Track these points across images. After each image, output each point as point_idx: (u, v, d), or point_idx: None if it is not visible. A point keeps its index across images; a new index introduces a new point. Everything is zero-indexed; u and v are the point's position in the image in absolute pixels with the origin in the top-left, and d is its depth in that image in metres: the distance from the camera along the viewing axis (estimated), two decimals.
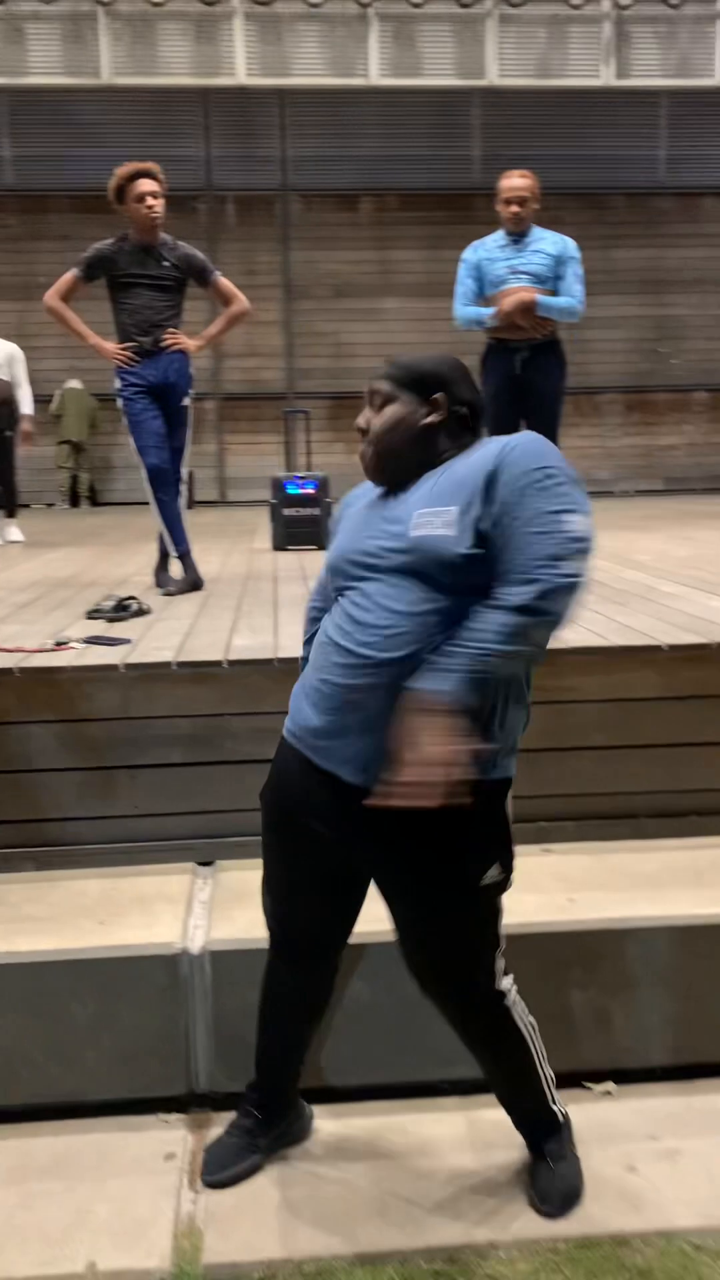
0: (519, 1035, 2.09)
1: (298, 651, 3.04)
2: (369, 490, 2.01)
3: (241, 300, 4.58)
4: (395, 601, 1.80)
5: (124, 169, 4.29)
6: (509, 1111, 2.21)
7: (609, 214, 11.87)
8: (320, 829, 1.93)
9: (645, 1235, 2.08)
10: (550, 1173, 2.16)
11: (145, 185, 4.24)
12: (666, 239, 11.98)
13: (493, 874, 1.92)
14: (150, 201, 4.25)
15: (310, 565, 5.49)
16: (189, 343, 4.44)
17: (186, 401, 4.48)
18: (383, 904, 1.99)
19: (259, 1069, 2.27)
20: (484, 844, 1.91)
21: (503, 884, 1.96)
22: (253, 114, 11.40)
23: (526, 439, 1.80)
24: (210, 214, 11.59)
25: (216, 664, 2.94)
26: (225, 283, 4.56)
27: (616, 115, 11.41)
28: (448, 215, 11.25)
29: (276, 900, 2.11)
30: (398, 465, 1.91)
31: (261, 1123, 2.27)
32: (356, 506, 2.01)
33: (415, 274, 11.54)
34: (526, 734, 3.11)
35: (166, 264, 4.39)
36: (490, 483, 1.75)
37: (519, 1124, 2.21)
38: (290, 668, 2.96)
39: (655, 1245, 2.06)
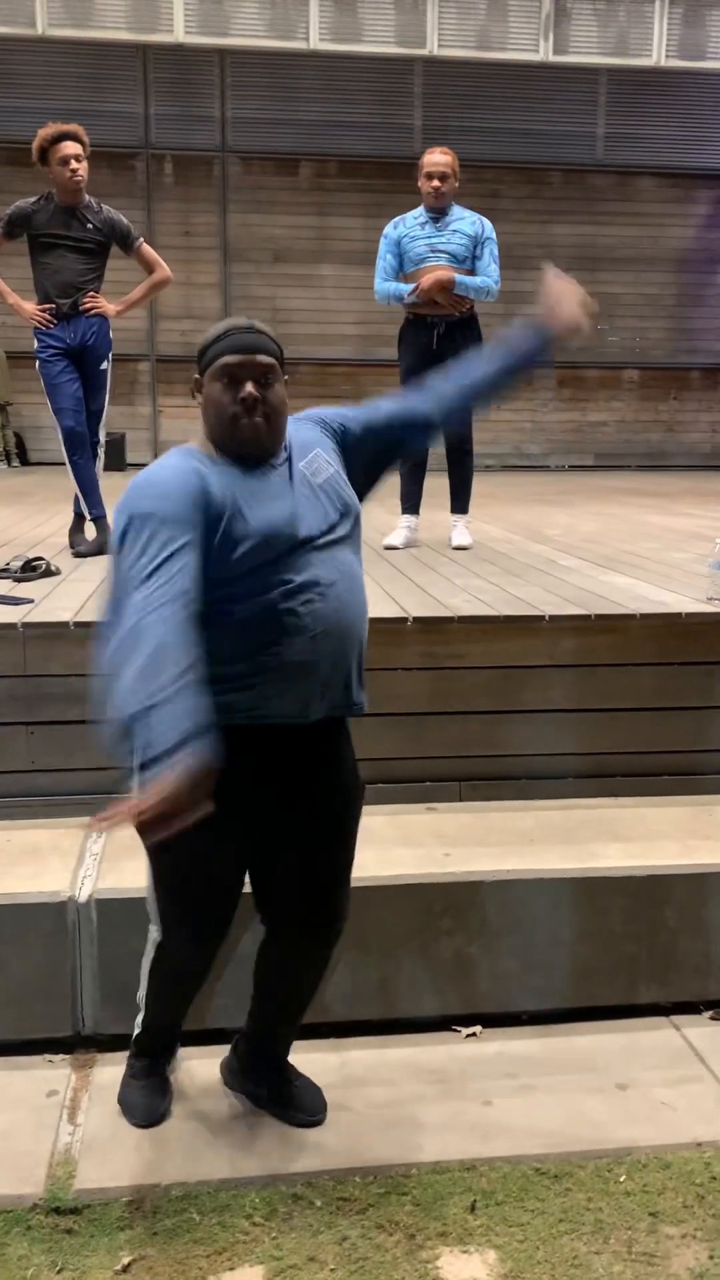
0: None
1: None
2: (221, 463, 1.94)
3: (163, 268, 4.61)
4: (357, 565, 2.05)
5: (46, 130, 4.27)
6: (287, 1036, 2.40)
7: (546, 189, 11.96)
8: (273, 793, 2.06)
9: (492, 1161, 2.24)
10: (308, 1085, 2.39)
11: (68, 148, 4.24)
12: (602, 217, 12.10)
13: None
14: (74, 165, 4.24)
15: None
16: (108, 307, 4.46)
17: (105, 365, 4.51)
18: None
19: (165, 1029, 2.39)
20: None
21: None
22: (192, 72, 11.26)
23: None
24: (148, 173, 11.46)
25: None
26: (148, 250, 4.58)
27: (556, 91, 11.47)
28: (387, 184, 11.22)
29: (219, 884, 2.12)
30: (276, 444, 1.99)
31: (166, 1061, 2.46)
32: (244, 484, 1.92)
33: (353, 241, 11.53)
34: (413, 697, 3.25)
35: (90, 227, 4.40)
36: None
37: (286, 1045, 2.41)
38: None
39: (501, 1170, 2.22)
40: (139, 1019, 2.37)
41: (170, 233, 11.54)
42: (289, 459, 2.00)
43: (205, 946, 2.21)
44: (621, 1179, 2.20)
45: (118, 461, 10.69)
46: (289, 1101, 2.36)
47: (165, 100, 11.40)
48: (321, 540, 1.95)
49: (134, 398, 11.74)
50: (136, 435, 11.53)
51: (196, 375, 1.98)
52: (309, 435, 2.08)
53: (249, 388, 1.90)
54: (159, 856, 2.05)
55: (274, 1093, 2.38)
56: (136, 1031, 2.39)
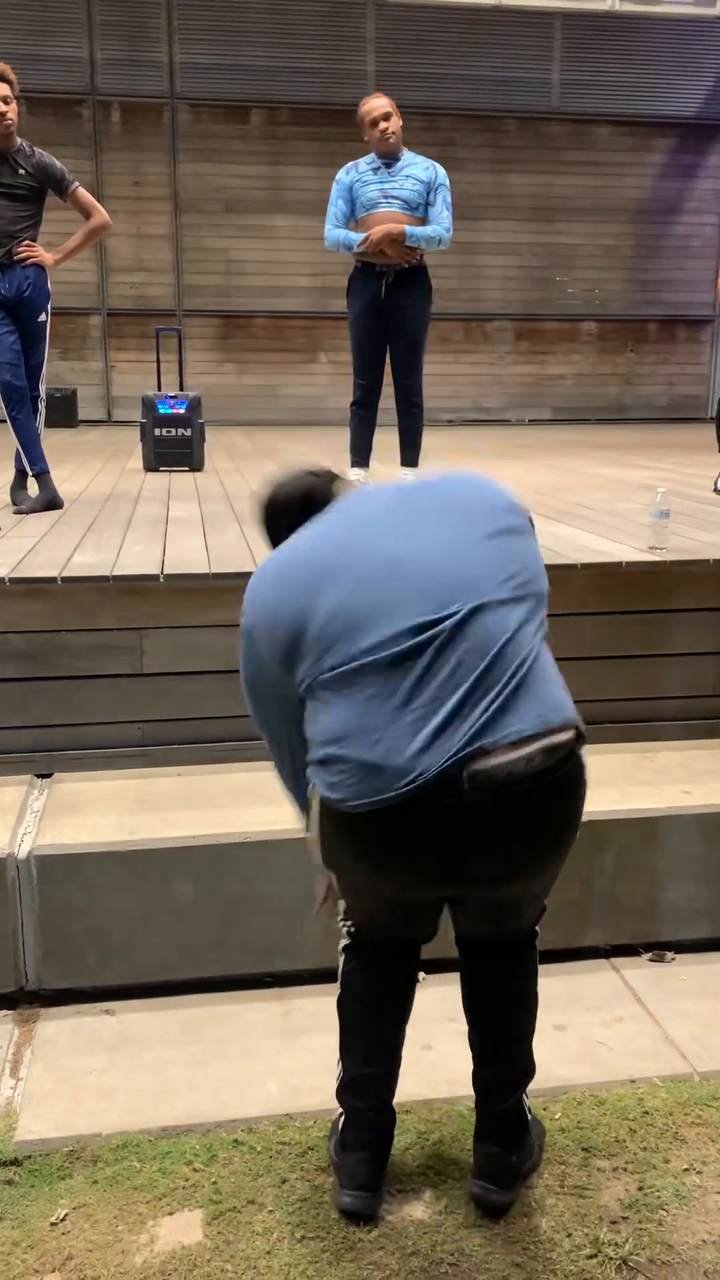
0: None
1: (139, 569, 3.12)
2: None
3: (101, 213, 4.51)
4: None
5: None
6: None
7: (502, 137, 11.80)
8: None
9: (431, 1102, 2.28)
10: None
11: None
12: (558, 165, 11.98)
13: None
14: (1, 107, 4.12)
15: (179, 487, 5.50)
16: (45, 256, 4.36)
17: (43, 318, 4.41)
18: None
19: None
20: None
21: None
22: (139, 15, 10.95)
23: None
24: (95, 120, 11.16)
25: (51, 580, 2.98)
26: (84, 194, 4.47)
27: (511, 36, 11.30)
28: (340, 132, 11.00)
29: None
30: None
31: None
32: None
33: (307, 191, 11.33)
34: None
35: (21, 172, 4.28)
36: None
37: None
38: (126, 586, 3.03)
39: (439, 1110, 2.26)
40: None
41: (119, 183, 11.28)
42: None
43: None
44: (556, 1116, 2.24)
45: (69, 418, 10.53)
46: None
47: (112, 45, 11.08)
48: None
49: (85, 352, 11.54)
50: (88, 391, 11.35)
51: None
52: None
53: None
54: None
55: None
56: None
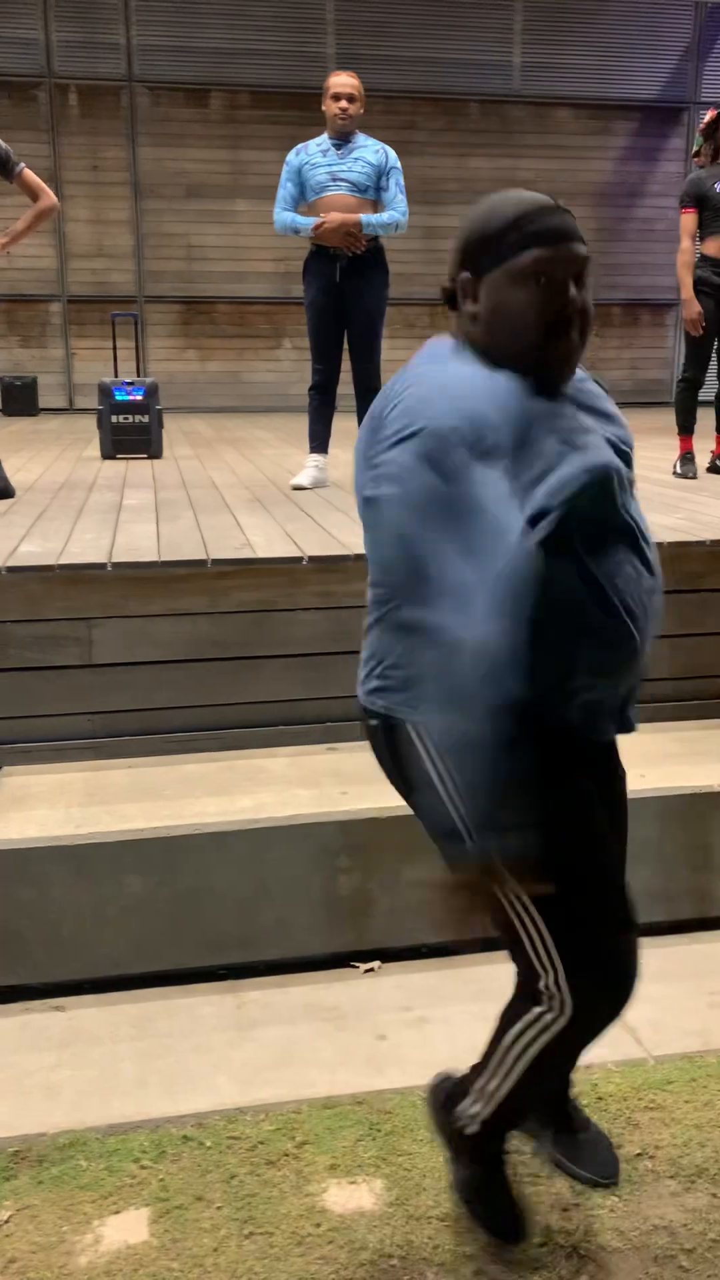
0: None
1: (86, 558, 3.06)
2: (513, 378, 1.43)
3: (49, 195, 4.43)
4: None
5: None
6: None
7: (463, 120, 11.73)
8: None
9: (383, 1093, 2.25)
10: (600, 1138, 2.05)
11: None
12: (520, 149, 11.93)
13: None
14: None
15: (135, 475, 5.43)
16: None
17: None
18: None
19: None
20: None
21: None
22: None
23: None
24: (51, 104, 10.99)
25: None
26: (31, 176, 4.39)
27: (472, 18, 11.23)
28: (300, 115, 10.91)
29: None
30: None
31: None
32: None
33: (268, 175, 11.19)
34: (313, 638, 3.21)
35: None
36: None
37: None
38: (73, 575, 2.98)
39: (391, 1101, 2.23)
40: (477, 1114, 1.77)
41: (78, 167, 11.13)
42: None
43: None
44: None
45: (29, 406, 10.40)
46: (575, 1153, 2.00)
47: (67, 27, 10.91)
48: None
49: (46, 340, 11.39)
50: (49, 379, 11.21)
51: (467, 273, 1.50)
52: None
53: (572, 291, 1.43)
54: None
55: (560, 1137, 2.01)
56: (471, 1131, 1.79)
